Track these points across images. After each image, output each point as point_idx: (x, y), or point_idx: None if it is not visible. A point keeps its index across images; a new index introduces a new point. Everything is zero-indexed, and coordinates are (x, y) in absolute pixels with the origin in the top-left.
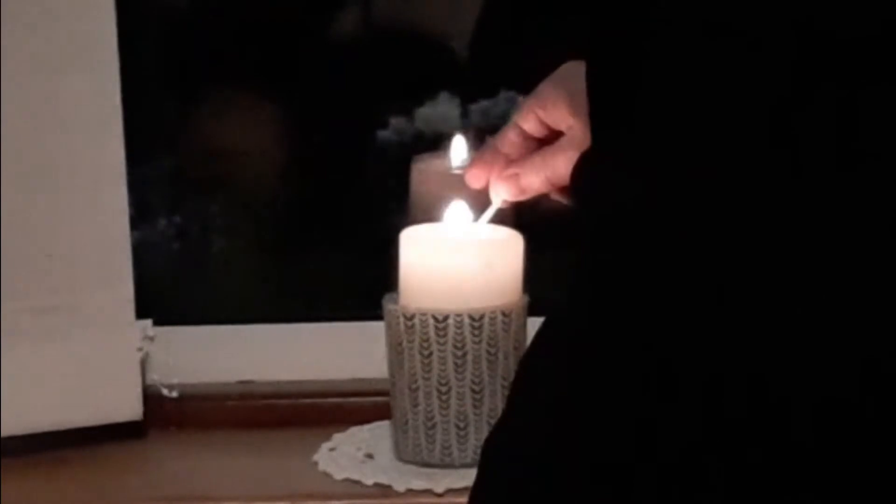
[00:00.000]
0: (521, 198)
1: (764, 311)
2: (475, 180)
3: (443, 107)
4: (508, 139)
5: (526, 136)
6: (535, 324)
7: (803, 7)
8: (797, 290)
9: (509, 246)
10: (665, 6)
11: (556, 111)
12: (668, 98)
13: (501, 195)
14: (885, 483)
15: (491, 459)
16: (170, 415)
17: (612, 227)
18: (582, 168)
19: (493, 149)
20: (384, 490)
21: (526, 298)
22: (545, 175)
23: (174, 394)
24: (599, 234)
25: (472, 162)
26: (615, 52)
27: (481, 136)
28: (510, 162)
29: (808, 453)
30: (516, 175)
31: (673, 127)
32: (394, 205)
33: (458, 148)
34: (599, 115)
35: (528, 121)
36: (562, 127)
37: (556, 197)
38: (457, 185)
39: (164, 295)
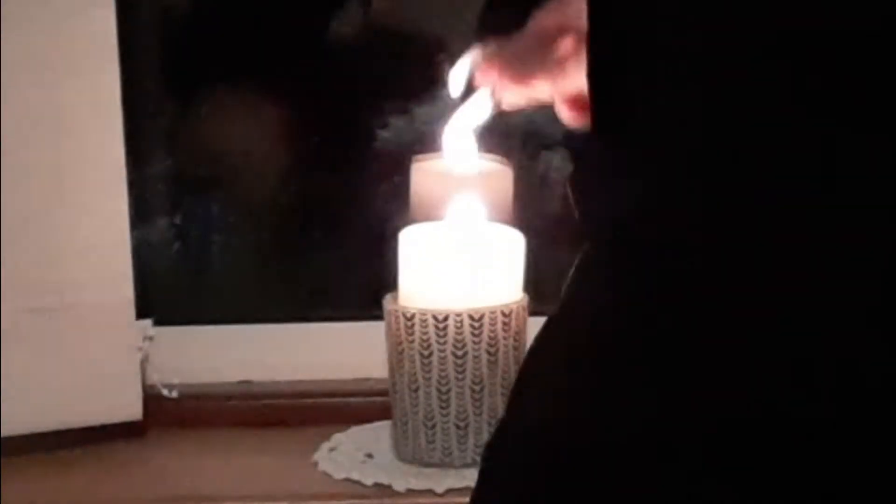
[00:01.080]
0: (525, 102)
1: (762, 315)
2: (483, 79)
3: (443, 107)
4: (523, 42)
5: (540, 39)
6: (535, 324)
7: (806, 8)
8: (796, 297)
9: (509, 245)
10: (667, 11)
11: (570, 8)
12: (666, 102)
13: (507, 97)
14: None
15: (492, 463)
16: (170, 415)
17: (611, 229)
18: (580, 171)
19: (505, 50)
20: (384, 490)
21: (526, 298)
22: (554, 79)
23: (174, 394)
24: (599, 236)
25: (482, 61)
26: (616, 58)
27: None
28: (522, 65)
29: (811, 453)
30: (525, 77)
31: (672, 131)
32: (394, 205)
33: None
34: (600, 119)
35: (543, 22)
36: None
37: (561, 110)
38: (457, 185)
39: (164, 295)
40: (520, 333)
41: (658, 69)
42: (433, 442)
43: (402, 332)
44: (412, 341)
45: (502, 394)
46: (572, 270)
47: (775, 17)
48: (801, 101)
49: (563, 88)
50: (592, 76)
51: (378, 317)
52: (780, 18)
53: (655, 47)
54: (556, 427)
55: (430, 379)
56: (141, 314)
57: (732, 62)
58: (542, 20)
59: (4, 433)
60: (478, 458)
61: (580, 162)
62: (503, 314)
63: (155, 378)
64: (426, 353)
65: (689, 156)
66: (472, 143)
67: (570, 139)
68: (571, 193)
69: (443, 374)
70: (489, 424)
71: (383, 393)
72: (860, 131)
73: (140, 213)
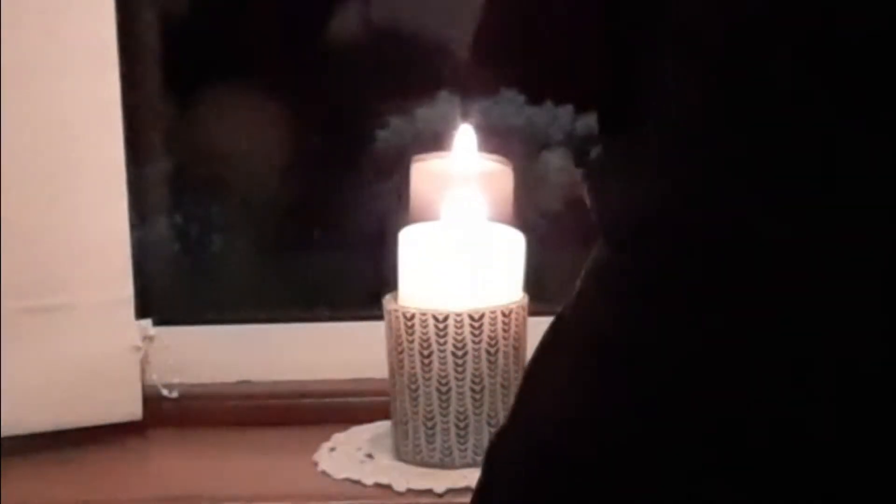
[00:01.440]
0: None
1: (762, 315)
2: None
3: (443, 107)
4: None
5: None
6: (534, 324)
7: (808, 8)
8: (796, 297)
9: (509, 245)
10: (674, 14)
11: None
12: (673, 103)
13: None
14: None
15: (496, 463)
16: (170, 415)
17: (623, 232)
18: (592, 173)
19: None
20: (384, 490)
21: (526, 298)
22: None
23: (174, 394)
24: (610, 238)
25: None
26: (624, 57)
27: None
28: None
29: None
30: None
31: (677, 133)
32: (394, 205)
33: (461, 158)
34: (608, 120)
35: None
36: None
37: None
38: (457, 185)
39: (164, 295)
40: (520, 333)
41: (664, 69)
42: (433, 442)
43: (402, 332)
44: (412, 341)
45: (502, 394)
46: (585, 270)
47: (777, 18)
48: (801, 100)
49: None
50: (600, 76)
51: (378, 317)
52: (783, 18)
53: (663, 50)
54: (558, 427)
55: (430, 379)
56: (141, 314)
57: (734, 63)
58: None
59: (4, 433)
60: (478, 459)
61: (594, 162)
62: (503, 314)
63: (155, 378)
64: (426, 353)
65: (691, 157)
66: (472, 142)
67: (570, 138)
68: (586, 192)
69: (443, 374)
70: (489, 424)
71: (383, 393)
72: (860, 131)
73: (140, 213)
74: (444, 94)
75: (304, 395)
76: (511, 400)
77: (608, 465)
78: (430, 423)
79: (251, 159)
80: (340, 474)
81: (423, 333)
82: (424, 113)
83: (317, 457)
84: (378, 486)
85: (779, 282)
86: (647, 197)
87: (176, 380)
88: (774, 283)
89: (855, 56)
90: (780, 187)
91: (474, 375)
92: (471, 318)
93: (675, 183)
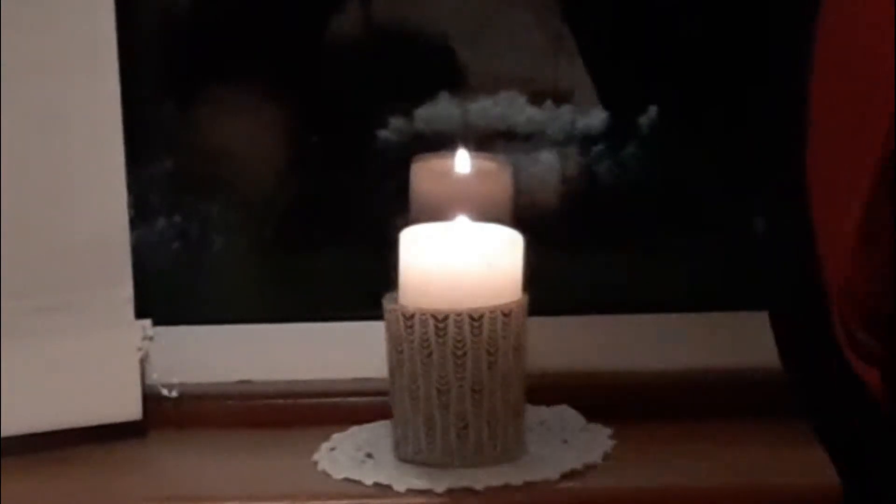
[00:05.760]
0: None
1: None
2: None
3: (443, 107)
4: None
5: None
6: (534, 324)
7: None
8: None
9: (509, 246)
10: None
11: None
12: None
13: None
14: None
15: None
16: (170, 415)
17: None
18: None
19: None
20: (384, 490)
21: (526, 298)
22: None
23: (174, 394)
24: None
25: None
26: None
27: (481, 137)
28: None
29: None
30: None
31: None
32: (394, 205)
33: (461, 158)
34: None
35: None
36: None
37: None
38: (457, 185)
39: (164, 295)
40: (520, 333)
41: None
42: (433, 442)
43: (402, 332)
44: (412, 341)
45: (502, 394)
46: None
47: None
48: None
49: None
50: None
51: (378, 317)
52: None
53: None
54: None
55: (430, 379)
56: (140, 314)
57: None
58: None
59: (4, 433)
60: (478, 458)
61: None
62: (503, 314)
63: (155, 378)
64: (426, 353)
65: None
66: (471, 143)
67: (570, 138)
68: None
69: (443, 374)
70: (489, 424)
71: (383, 393)
72: None
73: (140, 213)
74: (444, 94)
75: (304, 395)
76: (511, 399)
77: None
78: (430, 423)
79: (251, 159)
80: (340, 474)
81: (423, 333)
82: (424, 113)
83: (317, 457)
84: (378, 486)
85: None
86: None
87: (176, 380)
88: None
89: None
90: None
91: (474, 375)
92: (471, 318)
93: None
